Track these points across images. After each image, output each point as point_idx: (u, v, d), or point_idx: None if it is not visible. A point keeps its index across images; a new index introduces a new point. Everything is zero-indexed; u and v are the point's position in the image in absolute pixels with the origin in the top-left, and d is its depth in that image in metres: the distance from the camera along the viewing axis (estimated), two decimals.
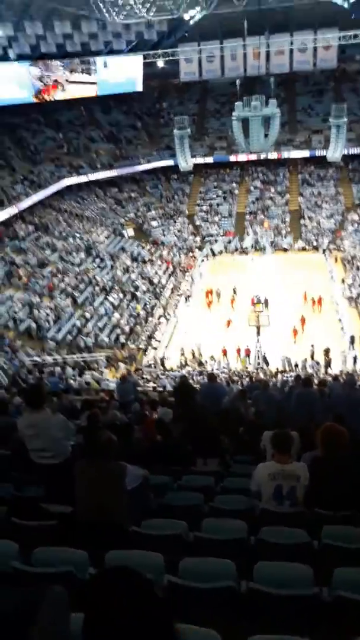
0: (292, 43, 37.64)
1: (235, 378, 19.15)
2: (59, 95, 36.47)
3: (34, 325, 23.49)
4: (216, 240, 37.71)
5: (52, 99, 36.44)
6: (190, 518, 3.87)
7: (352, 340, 24.19)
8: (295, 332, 25.01)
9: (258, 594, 2.85)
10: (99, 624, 1.26)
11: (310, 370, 21.01)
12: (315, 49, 38.19)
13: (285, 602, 2.78)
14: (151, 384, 18.24)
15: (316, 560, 3.22)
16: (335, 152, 34.31)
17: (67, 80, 36.21)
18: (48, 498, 4.14)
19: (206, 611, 2.85)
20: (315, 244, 35.81)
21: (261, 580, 2.95)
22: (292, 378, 15.77)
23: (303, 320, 25.53)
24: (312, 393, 8.06)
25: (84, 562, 3.23)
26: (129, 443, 5.95)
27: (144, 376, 20.12)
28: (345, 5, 33.02)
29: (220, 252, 36.78)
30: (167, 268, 33.91)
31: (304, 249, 35.79)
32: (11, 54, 32.55)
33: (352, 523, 3.65)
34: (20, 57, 33.04)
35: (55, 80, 35.57)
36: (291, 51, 38.44)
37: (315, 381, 12.12)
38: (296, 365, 22.13)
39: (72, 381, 17.86)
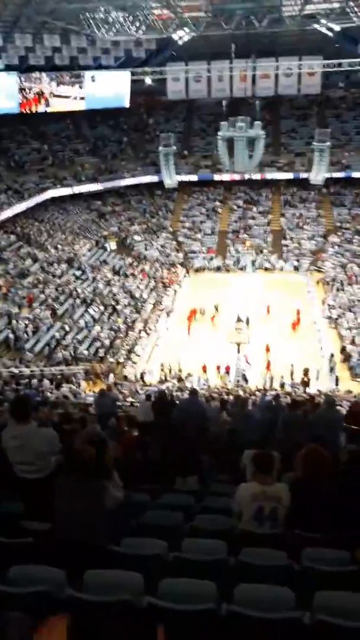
0: (277, 68, 38.45)
1: (215, 395, 19.12)
2: (41, 108, 36.44)
3: (12, 336, 23.22)
4: (212, 258, 37.82)
5: (35, 112, 36.46)
6: (170, 538, 3.83)
7: (331, 359, 24.43)
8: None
9: (239, 617, 2.82)
10: None
11: (289, 389, 21.11)
12: (299, 74, 39.08)
13: (266, 626, 2.75)
14: (130, 399, 18.10)
15: (296, 583, 3.21)
16: (317, 175, 35.02)
17: (52, 94, 36.20)
18: (28, 514, 4.05)
19: (186, 633, 2.81)
20: (296, 264, 36.26)
21: (242, 602, 2.92)
22: (270, 397, 15.83)
23: (267, 349, 24.73)
24: (298, 416, 8.11)
25: (61, 581, 3.17)
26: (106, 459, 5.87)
27: (123, 391, 19.97)
28: (330, 34, 33.97)
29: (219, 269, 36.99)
30: (149, 282, 33.93)
31: (283, 269, 36.20)
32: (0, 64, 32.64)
33: (333, 545, 3.64)
34: (9, 68, 33.12)
35: (38, 94, 35.42)
36: (276, 75, 39.23)
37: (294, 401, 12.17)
38: (282, 385, 22.20)
39: (49, 394, 17.62)
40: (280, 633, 2.83)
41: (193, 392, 9.37)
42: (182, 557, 3.58)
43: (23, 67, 34.00)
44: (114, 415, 11.14)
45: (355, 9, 27.79)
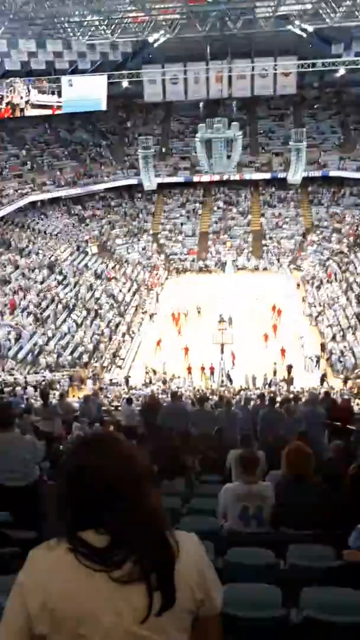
0: (253, 68, 38.71)
1: (199, 396, 19.14)
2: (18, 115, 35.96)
3: None
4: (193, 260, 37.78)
5: (11, 116, 35.97)
6: None
7: (318, 360, 24.61)
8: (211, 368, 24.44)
9: (226, 617, 2.82)
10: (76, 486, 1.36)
11: (273, 388, 21.25)
12: (275, 75, 39.38)
13: (253, 625, 2.77)
14: (115, 404, 18.05)
15: (283, 581, 3.23)
16: (295, 174, 35.34)
17: (28, 103, 35.63)
18: (13, 523, 4.03)
19: None
20: (276, 263, 36.52)
21: (230, 603, 2.93)
22: (255, 396, 15.93)
23: (233, 356, 24.69)
24: (278, 413, 8.16)
25: None
26: None
27: (108, 395, 19.92)
28: (304, 34, 34.36)
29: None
30: (131, 285, 33.87)
31: (265, 268, 36.43)
32: None
33: (318, 542, 3.68)
34: None
35: (10, 104, 34.66)
36: (252, 76, 39.48)
37: (279, 399, 12.27)
38: (269, 384, 22.33)
39: (33, 401, 17.48)
40: (268, 632, 2.86)
41: (174, 395, 9.38)
42: None
43: None
44: (99, 420, 11.11)
45: (327, 10, 28.14)
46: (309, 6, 29.89)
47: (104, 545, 1.31)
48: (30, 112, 35.91)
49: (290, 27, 34.32)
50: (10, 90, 34.07)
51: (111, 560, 1.29)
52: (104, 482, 1.34)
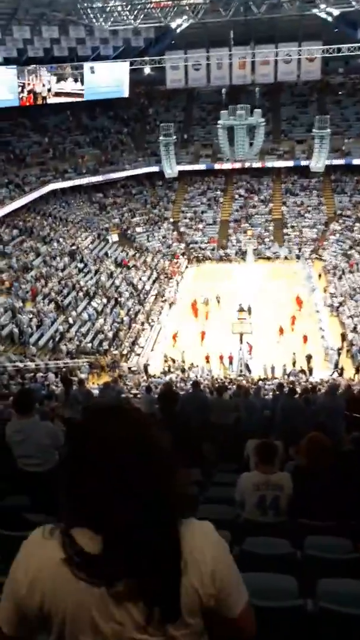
0: (277, 54, 38.07)
1: (217, 385, 19.13)
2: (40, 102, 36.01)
3: (16, 330, 23.27)
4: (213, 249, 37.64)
5: (35, 104, 36.03)
6: None
7: (340, 351, 24.33)
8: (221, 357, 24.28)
9: None
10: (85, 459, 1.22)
11: (292, 378, 21.13)
12: (299, 60, 38.70)
13: (269, 615, 2.78)
14: (134, 391, 18.17)
15: (300, 571, 3.23)
16: (318, 162, 34.81)
17: (50, 91, 35.59)
18: (33, 507, 4.09)
19: None
20: (297, 252, 36.15)
21: None
22: (273, 386, 15.89)
23: (250, 347, 24.63)
24: (297, 402, 8.11)
25: None
26: None
27: (127, 383, 20.04)
28: (329, 19, 33.61)
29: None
30: (151, 273, 33.89)
31: (286, 257, 36.09)
32: None
33: (336, 533, 3.67)
34: (7, 61, 32.83)
35: (32, 92, 34.55)
36: (276, 62, 38.88)
37: (298, 390, 12.22)
38: (288, 375, 22.20)
39: (54, 387, 17.68)
40: (284, 621, 2.87)
41: (195, 384, 9.38)
42: None
43: (22, 60, 33.73)
44: None
45: None
46: None
47: (97, 552, 1.18)
48: (52, 99, 35.89)
49: (315, 10, 33.59)
50: (32, 78, 34.07)
51: (106, 572, 1.17)
52: (125, 458, 1.19)
